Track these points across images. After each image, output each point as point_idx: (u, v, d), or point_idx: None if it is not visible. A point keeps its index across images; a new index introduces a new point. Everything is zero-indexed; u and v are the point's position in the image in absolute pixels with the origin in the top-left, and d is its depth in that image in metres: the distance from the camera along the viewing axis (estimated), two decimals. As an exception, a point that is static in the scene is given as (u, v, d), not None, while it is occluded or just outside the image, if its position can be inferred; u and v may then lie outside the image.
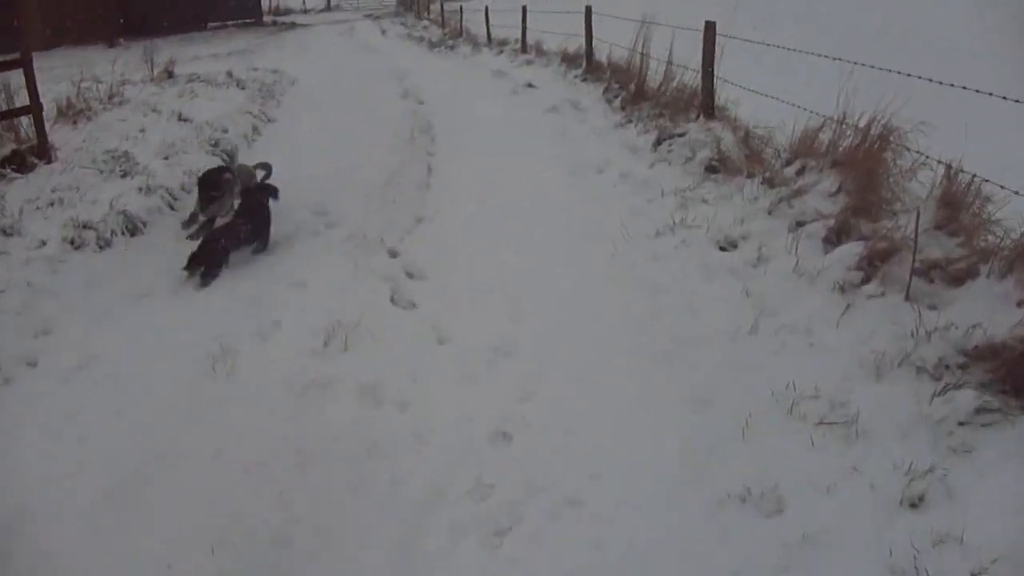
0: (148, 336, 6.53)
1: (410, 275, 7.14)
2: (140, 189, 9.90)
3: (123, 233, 8.86)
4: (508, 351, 5.73)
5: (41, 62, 30.38)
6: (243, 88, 17.43)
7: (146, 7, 49.07)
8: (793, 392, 4.71)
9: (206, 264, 7.54)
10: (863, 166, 6.93)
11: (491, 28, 27.03)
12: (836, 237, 6.43)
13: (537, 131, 12.39)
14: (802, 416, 4.52)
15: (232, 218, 8.31)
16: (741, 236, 6.86)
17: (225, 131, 13.20)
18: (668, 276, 6.44)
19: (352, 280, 7.04)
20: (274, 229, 8.37)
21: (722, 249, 6.76)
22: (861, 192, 6.73)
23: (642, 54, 13.21)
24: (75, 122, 13.45)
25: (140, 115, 14.25)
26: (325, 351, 5.84)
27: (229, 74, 20.43)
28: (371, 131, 13.26)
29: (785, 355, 5.16)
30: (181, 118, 13.94)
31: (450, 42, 29.08)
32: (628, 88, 13.30)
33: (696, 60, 10.68)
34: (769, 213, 7.11)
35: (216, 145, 12.22)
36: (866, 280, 5.69)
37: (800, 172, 7.66)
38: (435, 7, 42.83)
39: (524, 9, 22.41)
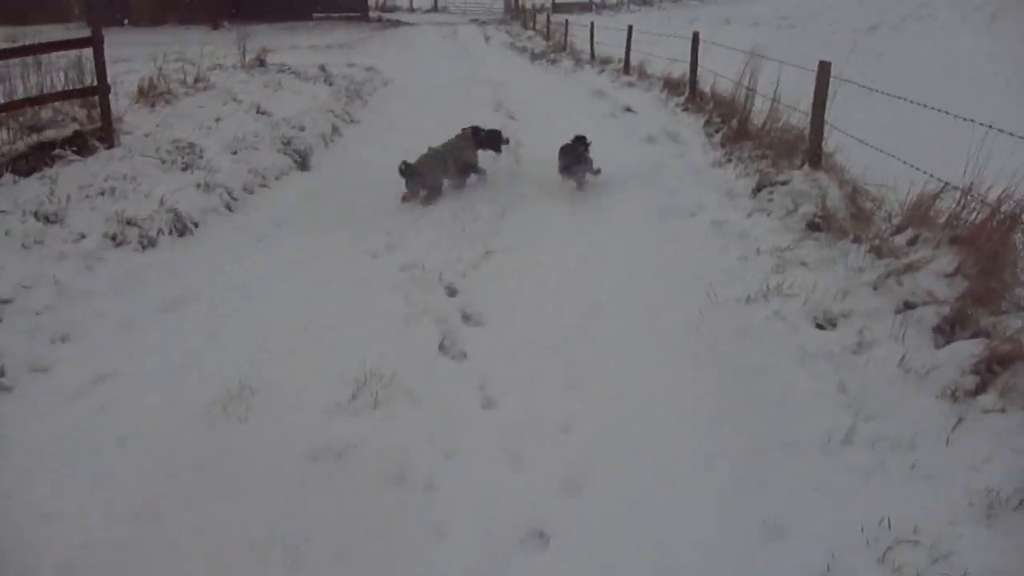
0: (174, 354, 5.88)
1: (466, 318, 6.37)
2: (198, 185, 9.35)
3: (171, 232, 8.27)
4: (560, 428, 4.92)
5: (144, 38, 30.97)
6: (331, 84, 16.93)
7: (254, -5, 49.36)
8: (888, 532, 3.88)
9: None
10: (988, 247, 6.04)
11: (595, 45, 26.27)
12: (950, 328, 5.57)
13: (631, 162, 11.57)
14: (896, 568, 3.69)
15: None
16: (842, 313, 5.99)
17: (302, 129, 12.68)
18: (755, 356, 5.58)
19: (400, 319, 6.33)
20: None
21: (819, 327, 5.89)
22: (983, 277, 5.85)
23: (748, 89, 12.33)
24: (153, 104, 13.03)
25: (220, 103, 13.84)
26: (351, 405, 5.10)
27: (322, 68, 20.04)
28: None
29: (882, 478, 4.30)
30: (260, 111, 13.46)
31: (553, 56, 28.39)
32: (730, 124, 12.44)
33: (804, 102, 9.84)
34: (874, 288, 6.24)
35: (288, 144, 11.67)
36: (983, 388, 4.84)
37: (912, 243, 6.76)
38: (541, 18, 42.17)
39: (630, 29, 21.65)
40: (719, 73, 14.51)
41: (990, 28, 57.13)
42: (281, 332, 6.22)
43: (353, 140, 13.34)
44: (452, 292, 6.84)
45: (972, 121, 6.83)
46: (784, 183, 9.03)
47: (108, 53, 10.53)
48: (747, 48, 12.97)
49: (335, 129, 13.51)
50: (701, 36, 15.75)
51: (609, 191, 10.11)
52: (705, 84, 15.41)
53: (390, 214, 9.12)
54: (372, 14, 57.04)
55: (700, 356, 5.71)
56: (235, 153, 10.90)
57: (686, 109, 14.90)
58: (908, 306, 5.91)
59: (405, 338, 6.04)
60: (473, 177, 10.36)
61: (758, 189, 9.25)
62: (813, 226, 7.96)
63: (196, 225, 8.64)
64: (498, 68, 24.91)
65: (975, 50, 40.15)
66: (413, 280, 7.02)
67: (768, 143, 10.91)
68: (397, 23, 51.29)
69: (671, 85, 17.53)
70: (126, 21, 46.02)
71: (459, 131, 10.41)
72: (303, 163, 11.48)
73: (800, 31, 48.53)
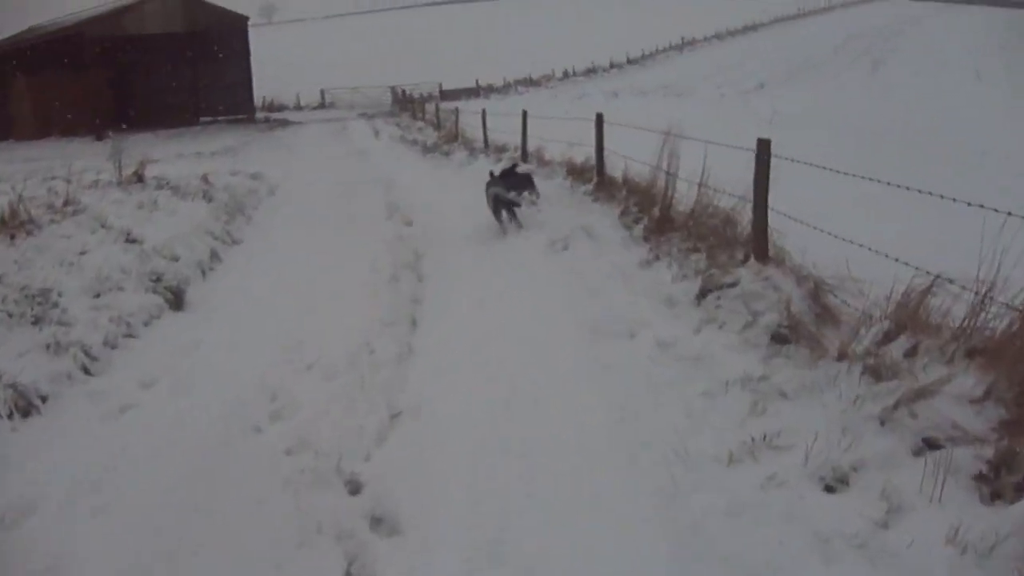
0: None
1: (377, 522, 4.90)
2: (48, 346, 7.82)
3: (11, 415, 6.73)
4: None
5: (25, 152, 29.43)
6: (210, 200, 15.47)
7: (137, 101, 48.43)
8: None
9: None
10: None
11: (488, 133, 25.27)
12: (995, 474, 4.41)
13: (545, 268, 10.40)
14: None
15: None
16: (852, 466, 4.76)
17: (176, 259, 11.22)
18: (759, 549, 4.26)
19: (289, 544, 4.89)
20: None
21: (828, 489, 4.66)
22: (1025, 401, 4.75)
23: (668, 172, 11.27)
24: (13, 237, 11.57)
25: (87, 232, 12.41)
26: None
27: (204, 179, 18.70)
28: (348, 263, 11.30)
29: None
30: (130, 238, 12.01)
31: (445, 147, 27.32)
32: (651, 213, 11.36)
33: (728, 180, 8.88)
34: (882, 423, 5.06)
35: (159, 280, 10.18)
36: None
37: (911, 354, 5.61)
38: (431, 107, 41.34)
39: (525, 114, 20.64)
40: (626, 155, 13.61)
41: (873, 76, 58.52)
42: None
43: (235, 266, 11.95)
44: (355, 487, 5.39)
45: (983, 206, 5.67)
46: (732, 285, 7.89)
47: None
48: (658, 127, 11.97)
49: (214, 255, 12.09)
50: (606, 117, 14.76)
51: (525, 306, 8.91)
52: (615, 168, 14.41)
53: (275, 366, 7.73)
54: (259, 115, 56.03)
55: (685, 549, 4.40)
56: (97, 296, 9.43)
57: (596, 199, 13.79)
58: (931, 445, 4.75)
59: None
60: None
61: (702, 294, 8.06)
62: (779, 338, 6.79)
63: (44, 400, 7.12)
64: (389, 165, 23.75)
65: (873, 99, 40.46)
66: (303, 475, 5.56)
67: (699, 234, 9.84)
68: (285, 122, 50.21)
69: (575, 172, 16.50)
70: (10, 137, 45.51)
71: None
72: (177, 301, 10.02)
73: (689, 98, 48.79)
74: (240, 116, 52.72)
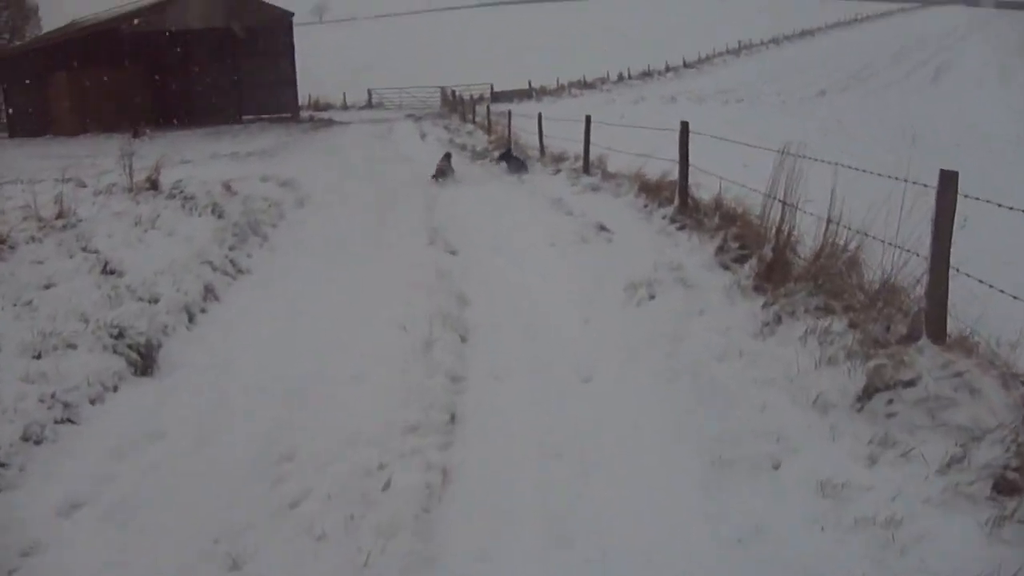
0: None
1: None
2: (-61, 447, 5.56)
3: None
4: None
5: (60, 148, 28.11)
6: (220, 216, 13.23)
7: (178, 98, 46.94)
8: None
9: None
10: None
11: (544, 139, 22.83)
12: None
13: (630, 329, 8.03)
14: None
15: None
16: None
17: (155, 300, 8.92)
18: None
19: None
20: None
21: None
22: None
23: (784, 202, 8.81)
24: (-19, 258, 9.69)
25: (65, 256, 10.52)
26: None
27: (227, 187, 16.50)
28: (372, 312, 8.92)
29: None
30: (108, 269, 9.82)
31: (495, 154, 24.89)
32: (759, 253, 8.90)
33: (863, 216, 6.74)
34: None
35: (121, 336, 7.84)
36: None
37: None
38: (481, 109, 39.01)
39: (588, 121, 18.19)
40: (704, 169, 11.52)
41: (935, 85, 55.50)
42: None
43: (231, 309, 9.62)
44: None
45: None
46: (909, 383, 5.44)
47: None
48: (763, 142, 9.58)
49: (209, 292, 9.78)
50: (652, 118, 12.48)
51: (607, 401, 6.50)
52: (699, 187, 12.05)
53: (244, 500, 5.34)
54: (304, 114, 54.05)
55: None
56: (39, 357, 7.18)
57: (681, 227, 11.33)
58: None
59: None
60: None
61: (867, 395, 5.60)
62: (1005, 488, 4.36)
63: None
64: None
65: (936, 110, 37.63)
66: None
67: (832, 289, 7.40)
68: (329, 123, 48.13)
69: (649, 190, 14.06)
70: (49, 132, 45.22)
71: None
72: (145, 363, 7.71)
73: (749, 105, 46.35)
74: (284, 115, 50.85)
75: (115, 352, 7.56)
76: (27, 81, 49.29)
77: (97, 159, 24.94)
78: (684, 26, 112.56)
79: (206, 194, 16.19)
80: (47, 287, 9.21)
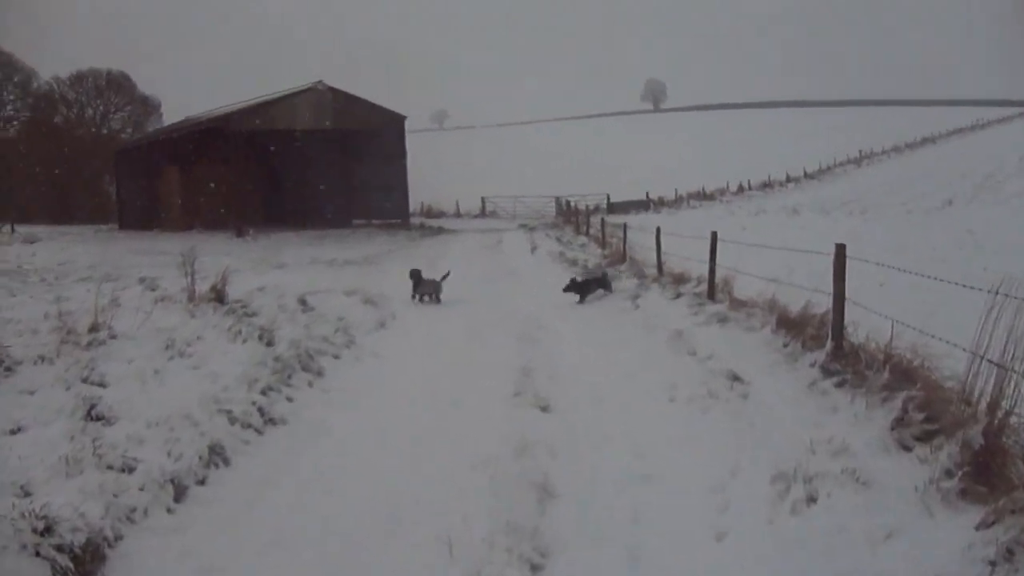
0: None
1: None
2: None
3: None
4: None
5: (162, 244, 27.09)
6: (269, 344, 11.12)
7: (286, 199, 46.25)
8: None
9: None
10: None
11: (663, 255, 20.28)
12: None
13: (785, 564, 5.46)
14: None
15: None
16: None
17: (129, 470, 6.66)
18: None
19: None
20: None
21: None
22: None
23: (997, 364, 6.19)
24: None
25: (61, 388, 8.73)
26: None
27: (302, 302, 14.80)
28: (410, 524, 6.36)
29: None
30: (93, 415, 7.67)
31: (609, 271, 22.44)
32: (961, 436, 6.21)
33: None
34: None
35: (48, 533, 5.50)
36: None
37: None
38: (596, 220, 36.82)
39: (714, 238, 15.64)
40: (858, 302, 9.30)
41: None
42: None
43: (241, 483, 7.24)
44: None
45: None
46: None
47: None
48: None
49: (214, 455, 7.44)
50: (776, 232, 10.21)
51: None
52: (854, 324, 9.45)
53: None
54: (415, 220, 52.80)
55: None
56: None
57: (840, 382, 8.63)
58: None
59: None
60: None
61: None
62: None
63: None
64: (538, 296, 18.96)
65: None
66: None
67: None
68: (439, 230, 46.65)
69: (789, 324, 11.42)
70: (158, 227, 45.91)
71: None
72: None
73: (873, 215, 43.26)
74: (394, 221, 49.67)
75: (37, 555, 5.24)
76: (139, 174, 49.44)
77: (196, 258, 23.73)
78: (804, 137, 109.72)
79: (278, 308, 14.34)
80: (13, 432, 7.19)
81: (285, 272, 23.54)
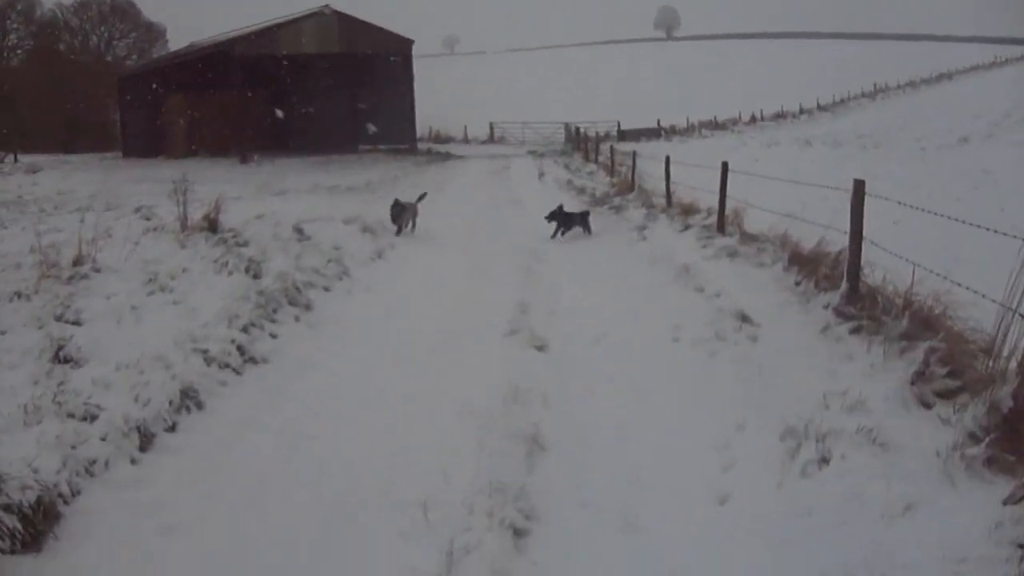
0: None
1: None
2: None
3: None
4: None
5: (165, 171, 27.00)
6: (255, 277, 10.62)
7: (292, 124, 45.59)
8: None
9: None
10: None
11: (672, 185, 19.62)
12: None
13: (792, 532, 5.03)
14: None
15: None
16: None
17: (92, 418, 6.18)
18: None
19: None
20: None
21: None
22: None
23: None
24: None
25: (34, 326, 8.38)
26: None
27: (298, 230, 14.39)
28: (390, 481, 5.83)
29: None
30: (60, 357, 7.18)
31: (617, 200, 21.84)
32: (989, 396, 5.72)
33: None
34: None
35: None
36: None
37: None
38: (605, 148, 36.11)
39: (725, 168, 15.05)
40: (874, 240, 8.64)
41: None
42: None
43: (215, 427, 6.77)
44: None
45: None
46: None
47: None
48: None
49: (187, 399, 6.96)
50: (788, 163, 9.96)
51: None
52: (872, 265, 8.94)
53: None
54: (422, 146, 51.96)
55: None
56: None
57: (856, 328, 8.14)
58: None
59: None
60: None
61: None
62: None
63: None
64: (542, 225, 18.45)
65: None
66: None
67: None
68: (446, 156, 46.01)
69: (801, 262, 10.90)
70: (162, 154, 45.37)
71: None
72: (31, 535, 4.96)
73: (886, 150, 42.41)
74: (401, 146, 48.93)
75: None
76: (143, 101, 48.70)
77: (196, 185, 23.29)
78: (818, 69, 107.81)
79: (272, 237, 13.84)
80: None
81: (286, 199, 22.98)
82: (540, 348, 8.62)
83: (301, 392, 7.51)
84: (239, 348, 8.11)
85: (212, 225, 14.65)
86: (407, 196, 19.83)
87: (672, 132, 60.67)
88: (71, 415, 6.08)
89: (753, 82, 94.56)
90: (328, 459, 6.16)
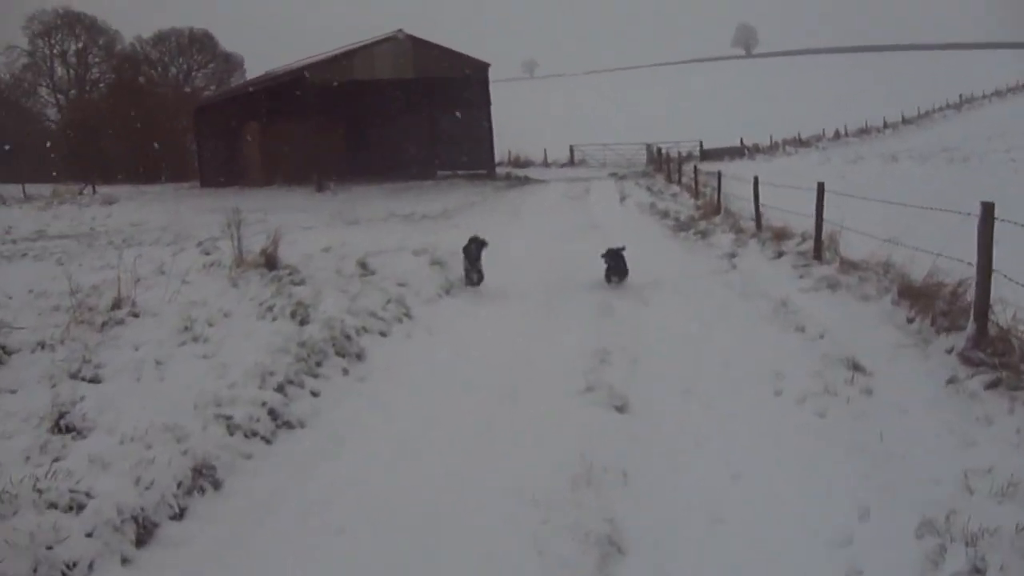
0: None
1: None
2: None
3: None
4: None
5: (243, 200, 26.52)
6: (302, 323, 9.65)
7: (368, 151, 45.22)
8: None
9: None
10: None
11: (760, 207, 18.29)
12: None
13: None
14: None
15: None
16: None
17: (80, 508, 5.21)
18: None
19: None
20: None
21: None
22: None
23: None
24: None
25: (46, 385, 7.39)
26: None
27: (363, 265, 13.58)
28: None
29: None
30: (61, 427, 6.25)
31: (703, 224, 20.57)
32: None
33: None
34: None
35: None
36: None
37: None
38: (688, 168, 34.84)
39: (821, 189, 13.77)
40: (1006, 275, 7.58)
41: None
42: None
43: (231, 514, 5.66)
44: None
45: None
46: None
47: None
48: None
49: (200, 477, 5.89)
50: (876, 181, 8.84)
51: None
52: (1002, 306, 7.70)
53: None
54: (501, 170, 51.07)
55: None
56: None
57: (992, 382, 6.83)
58: None
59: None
60: None
61: None
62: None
63: None
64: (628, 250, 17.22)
65: None
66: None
67: None
68: (525, 180, 45.10)
69: (913, 294, 9.63)
70: (240, 183, 45.30)
71: None
72: None
73: (976, 164, 40.46)
74: (479, 171, 48.11)
75: None
76: (219, 131, 48.71)
77: (268, 215, 22.77)
78: (901, 81, 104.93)
79: (335, 273, 12.97)
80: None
81: (357, 228, 22.34)
82: (619, 409, 7.41)
83: (334, 468, 6.42)
84: (271, 412, 7.06)
85: (269, 261, 13.78)
86: (481, 223, 18.79)
87: (755, 150, 59.37)
88: (53, 505, 5.08)
89: (835, 97, 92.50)
90: (349, 558, 5.09)
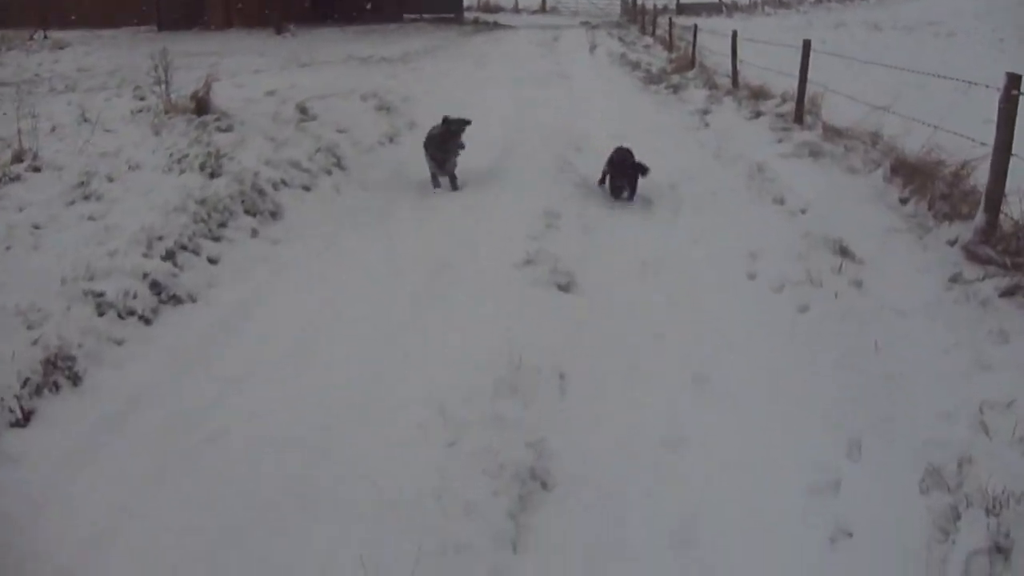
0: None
1: None
2: None
3: None
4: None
5: (198, 44, 25.16)
6: (212, 175, 8.38)
7: (339, -6, 43.61)
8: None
9: None
10: None
11: (739, 65, 17.07)
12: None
13: None
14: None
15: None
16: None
17: None
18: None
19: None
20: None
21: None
22: None
23: None
24: None
25: None
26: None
27: (302, 110, 12.59)
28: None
29: None
30: None
31: (675, 79, 19.40)
32: None
33: None
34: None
35: None
36: None
37: None
38: (663, 21, 33.34)
39: (807, 46, 12.58)
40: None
41: None
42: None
43: (60, 443, 4.48)
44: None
45: None
46: None
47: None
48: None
49: (52, 372, 4.80)
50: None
51: None
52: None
53: None
54: (469, 15, 49.39)
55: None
56: None
57: (1011, 289, 5.74)
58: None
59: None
60: None
61: None
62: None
63: None
64: (592, 104, 15.92)
65: None
66: None
67: None
68: (493, 26, 43.59)
69: (906, 171, 8.59)
70: (199, 25, 43.18)
71: None
72: None
73: (963, 39, 39.23)
74: (446, 15, 46.77)
75: None
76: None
77: (224, 59, 21.45)
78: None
79: (271, 118, 11.87)
80: None
81: (310, 71, 20.85)
82: (564, 289, 6.35)
83: (221, 355, 5.36)
84: (153, 285, 5.92)
85: (200, 106, 12.41)
86: (445, 68, 17.51)
87: (734, 8, 57.70)
88: None
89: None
90: (230, 466, 4.09)
